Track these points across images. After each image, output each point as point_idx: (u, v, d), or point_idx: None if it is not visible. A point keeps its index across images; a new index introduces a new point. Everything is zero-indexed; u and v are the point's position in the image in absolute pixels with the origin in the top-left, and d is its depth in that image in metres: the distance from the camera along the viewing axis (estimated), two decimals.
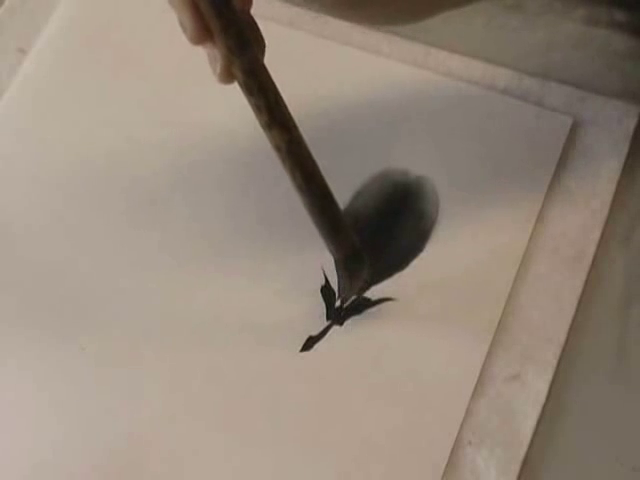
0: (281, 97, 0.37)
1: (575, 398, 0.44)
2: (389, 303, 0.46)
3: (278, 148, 0.38)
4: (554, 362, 0.44)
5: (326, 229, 0.41)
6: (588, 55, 0.51)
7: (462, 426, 0.44)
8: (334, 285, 0.47)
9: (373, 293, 0.46)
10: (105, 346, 0.46)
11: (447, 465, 0.43)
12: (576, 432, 0.44)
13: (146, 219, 0.49)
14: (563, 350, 0.45)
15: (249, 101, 0.37)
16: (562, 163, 0.48)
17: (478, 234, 0.47)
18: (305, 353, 0.45)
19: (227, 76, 0.37)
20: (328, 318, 0.46)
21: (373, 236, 0.47)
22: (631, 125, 0.49)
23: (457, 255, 0.47)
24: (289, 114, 0.37)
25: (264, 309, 0.46)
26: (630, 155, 0.48)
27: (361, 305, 0.46)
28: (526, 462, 0.43)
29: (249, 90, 0.37)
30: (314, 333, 0.46)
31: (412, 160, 0.49)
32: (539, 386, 0.44)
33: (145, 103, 0.51)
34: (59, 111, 0.52)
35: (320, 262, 0.47)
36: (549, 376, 0.44)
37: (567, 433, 0.43)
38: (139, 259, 0.48)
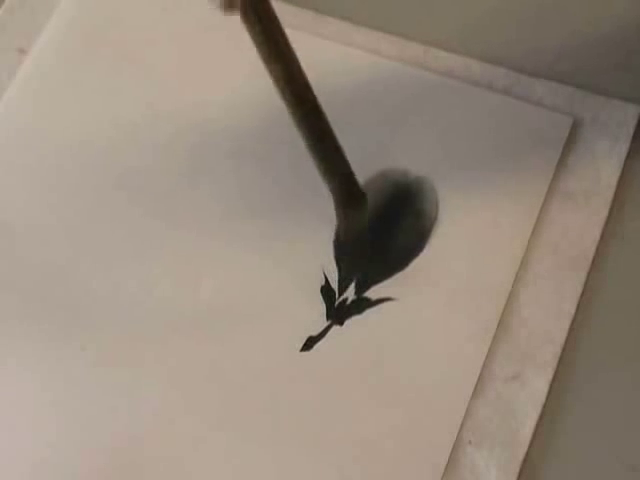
0: (282, 28, 0.37)
1: (575, 398, 0.44)
2: (389, 303, 0.46)
3: (277, 81, 0.37)
4: (554, 362, 0.44)
5: (326, 166, 0.41)
6: (589, 55, 0.51)
7: (462, 426, 0.44)
8: (334, 285, 0.47)
9: (373, 293, 0.46)
10: (106, 345, 0.46)
11: (447, 465, 0.43)
12: (576, 432, 0.44)
13: (147, 218, 0.49)
14: (563, 350, 0.45)
15: (249, 32, 0.36)
16: (562, 163, 0.48)
17: (478, 234, 0.47)
18: (305, 353, 0.45)
19: (228, 3, 0.35)
20: (328, 318, 0.46)
21: (373, 236, 0.47)
22: (631, 125, 0.49)
23: (457, 255, 0.47)
24: (289, 46, 0.37)
25: (264, 309, 0.46)
26: (630, 155, 0.48)
27: (361, 305, 0.46)
28: (526, 462, 0.43)
29: (249, 20, 0.36)
30: (314, 333, 0.46)
31: (412, 160, 0.49)
32: (539, 386, 0.44)
33: (146, 102, 0.51)
34: (59, 111, 0.52)
35: (320, 262, 0.47)
36: (549, 376, 0.44)
37: (567, 433, 0.44)
38: (139, 260, 0.48)
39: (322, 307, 0.46)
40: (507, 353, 0.45)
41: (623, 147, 0.48)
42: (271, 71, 0.37)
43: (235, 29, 0.52)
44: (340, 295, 0.46)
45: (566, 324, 0.45)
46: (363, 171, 0.48)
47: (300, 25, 0.52)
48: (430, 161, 0.48)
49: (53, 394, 0.46)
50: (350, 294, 0.46)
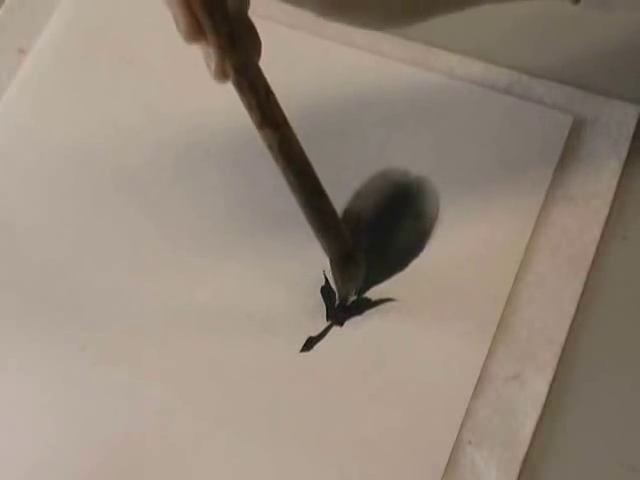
0: (273, 96, 0.38)
1: (575, 398, 0.44)
2: (389, 303, 0.46)
3: (270, 147, 0.38)
4: (554, 362, 0.44)
5: (318, 227, 0.41)
6: (589, 55, 0.51)
7: (462, 426, 0.44)
8: (334, 285, 0.47)
9: (373, 293, 0.46)
10: (105, 345, 0.46)
11: (447, 465, 0.43)
12: (576, 432, 0.44)
13: (147, 218, 0.49)
14: (563, 350, 0.45)
15: (242, 99, 0.38)
16: (562, 163, 0.48)
17: (478, 234, 0.47)
18: (305, 353, 0.45)
19: (221, 74, 0.37)
20: (328, 318, 0.46)
21: (373, 236, 0.47)
22: (631, 125, 0.49)
23: (457, 255, 0.47)
24: (281, 113, 0.38)
25: (264, 309, 0.46)
26: (630, 155, 0.48)
27: (361, 305, 0.46)
28: (526, 462, 0.43)
29: (241, 88, 0.37)
30: (314, 333, 0.46)
31: (412, 160, 0.49)
32: (539, 386, 0.44)
33: (145, 103, 0.52)
34: (59, 111, 0.52)
35: (320, 262, 0.47)
36: (549, 376, 0.44)
37: (567, 433, 0.44)
38: (139, 259, 0.48)
39: (322, 307, 0.46)
40: (507, 353, 0.45)
41: (623, 147, 0.48)
42: (264, 137, 0.38)
43: None
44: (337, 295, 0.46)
45: (566, 324, 0.45)
46: (363, 171, 0.49)
47: (300, 25, 0.52)
48: (431, 161, 0.48)
49: (53, 394, 0.46)
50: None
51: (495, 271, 0.46)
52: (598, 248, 0.46)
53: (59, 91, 0.52)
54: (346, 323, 0.46)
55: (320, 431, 0.44)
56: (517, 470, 0.43)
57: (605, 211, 0.47)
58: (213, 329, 0.46)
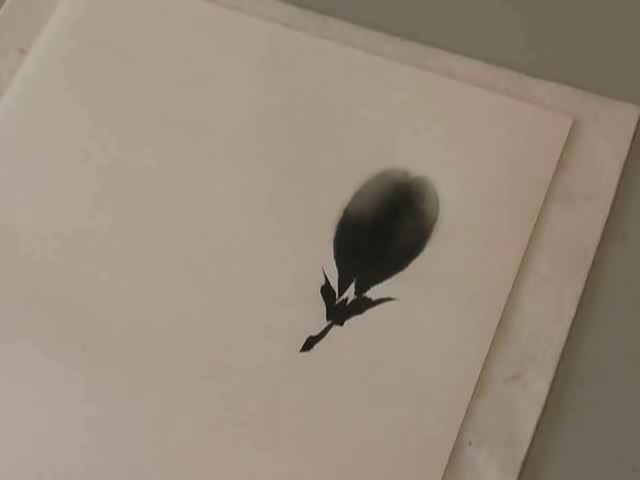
0: None
1: (575, 398, 0.44)
2: (389, 303, 0.46)
3: None
4: (554, 362, 0.44)
5: None
6: (589, 55, 0.51)
7: (462, 426, 0.44)
8: (334, 285, 0.47)
9: (373, 293, 0.46)
10: (106, 345, 0.46)
11: (447, 465, 0.43)
12: (576, 432, 0.44)
13: (147, 219, 0.49)
14: (563, 350, 0.45)
15: None
16: (562, 163, 0.48)
17: (478, 234, 0.47)
18: (305, 353, 0.45)
19: None
20: (328, 318, 0.46)
21: (373, 236, 0.47)
22: (631, 125, 0.49)
23: (457, 255, 0.47)
24: None
25: (264, 309, 0.46)
26: (630, 155, 0.48)
27: (362, 305, 0.46)
28: (526, 462, 0.43)
29: None
30: (314, 333, 0.46)
31: (412, 160, 0.49)
32: (539, 386, 0.44)
33: (146, 103, 0.52)
34: (59, 111, 0.52)
35: (320, 262, 0.47)
36: (549, 376, 0.44)
37: (567, 433, 0.44)
38: (140, 259, 0.48)
39: (322, 307, 0.46)
40: (507, 353, 0.45)
41: (623, 147, 0.48)
42: None
43: (234, 31, 0.53)
44: (340, 295, 0.46)
45: (566, 324, 0.45)
46: (363, 171, 0.49)
47: (300, 25, 0.52)
48: (430, 161, 0.48)
49: (54, 394, 0.46)
50: (350, 294, 0.46)
51: (495, 271, 0.46)
52: (598, 248, 0.46)
53: (59, 91, 0.52)
54: (346, 323, 0.46)
55: (320, 431, 0.44)
56: (517, 470, 0.43)
57: (605, 211, 0.47)
58: (213, 329, 0.46)
